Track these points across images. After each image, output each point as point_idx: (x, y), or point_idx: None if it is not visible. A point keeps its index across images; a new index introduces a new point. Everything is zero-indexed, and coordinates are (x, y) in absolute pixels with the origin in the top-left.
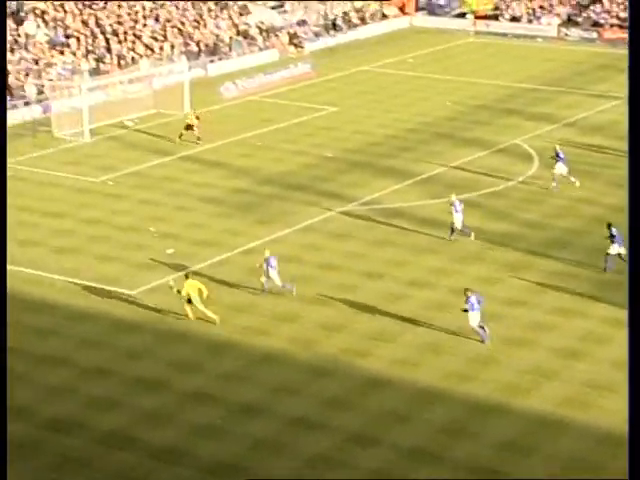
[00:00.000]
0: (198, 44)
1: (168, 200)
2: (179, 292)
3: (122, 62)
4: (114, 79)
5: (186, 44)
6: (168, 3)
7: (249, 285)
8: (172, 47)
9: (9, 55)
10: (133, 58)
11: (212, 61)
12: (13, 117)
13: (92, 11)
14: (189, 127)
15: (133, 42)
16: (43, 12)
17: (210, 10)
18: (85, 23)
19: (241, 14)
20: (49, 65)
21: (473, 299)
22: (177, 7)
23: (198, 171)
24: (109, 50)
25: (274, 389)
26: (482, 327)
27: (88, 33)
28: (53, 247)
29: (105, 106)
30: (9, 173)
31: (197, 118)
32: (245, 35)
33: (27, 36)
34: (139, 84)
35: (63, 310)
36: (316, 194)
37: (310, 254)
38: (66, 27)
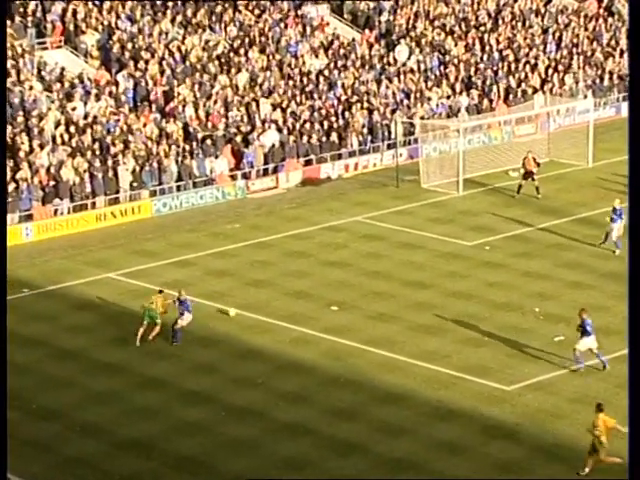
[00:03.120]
0: (611, 76)
1: (559, 273)
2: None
3: (510, 97)
4: (499, 118)
5: (596, 76)
6: (574, 24)
7: None
8: (576, 79)
9: (374, 87)
10: (524, 92)
11: (627, 98)
12: (373, 161)
13: (478, 33)
14: (527, 175)
15: (526, 72)
16: (421, 34)
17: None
18: (468, 48)
19: None
20: (422, 99)
21: (589, 322)
22: (586, 28)
23: (598, 237)
24: (495, 82)
25: None
26: (597, 355)
27: (472, 60)
28: (411, 324)
29: (486, 151)
30: (365, 230)
31: (537, 164)
32: None
33: (397, 63)
34: (530, 125)
35: (420, 404)
36: None
37: None
38: (445, 52)
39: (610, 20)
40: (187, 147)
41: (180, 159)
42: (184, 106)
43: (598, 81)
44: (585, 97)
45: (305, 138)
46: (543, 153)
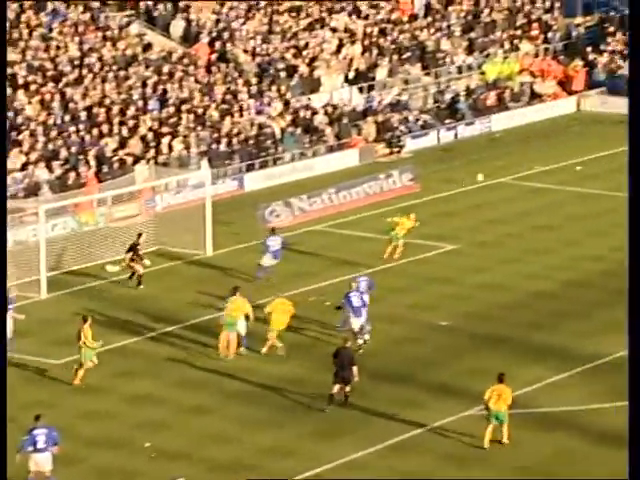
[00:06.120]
0: (230, 140)
1: (175, 394)
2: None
3: (104, 169)
4: (90, 197)
5: (212, 140)
6: (180, 73)
7: None
8: (187, 144)
9: None
10: (122, 162)
11: (251, 168)
12: None
13: (60, 87)
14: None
15: (125, 136)
16: None
17: (249, 84)
18: (45, 104)
19: (302, 92)
20: None
21: None
22: (197, 80)
23: (216, 346)
24: (83, 150)
25: None
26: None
27: (51, 122)
28: None
29: (76, 240)
30: None
31: (140, 236)
32: (307, 126)
33: None
34: (131, 205)
35: None
36: (418, 388)
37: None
38: (17, 112)
39: (225, 69)
40: None
41: None
42: None
43: (214, 146)
44: (199, 167)
45: None
46: (150, 241)
